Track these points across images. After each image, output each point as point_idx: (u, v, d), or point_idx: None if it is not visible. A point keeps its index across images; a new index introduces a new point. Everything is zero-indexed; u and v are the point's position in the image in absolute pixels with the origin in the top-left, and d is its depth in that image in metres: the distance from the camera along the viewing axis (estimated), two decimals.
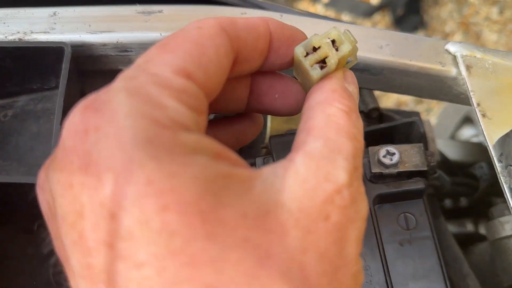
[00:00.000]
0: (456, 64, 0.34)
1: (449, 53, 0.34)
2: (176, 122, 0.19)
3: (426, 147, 0.43)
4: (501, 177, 0.30)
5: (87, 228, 0.17)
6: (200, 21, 0.23)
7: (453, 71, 0.34)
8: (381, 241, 0.34)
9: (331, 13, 1.73)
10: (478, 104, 0.32)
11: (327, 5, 1.73)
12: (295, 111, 0.27)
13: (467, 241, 0.57)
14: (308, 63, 0.24)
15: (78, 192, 0.18)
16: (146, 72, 0.20)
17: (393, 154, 0.35)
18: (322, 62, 0.24)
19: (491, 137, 0.31)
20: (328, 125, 0.22)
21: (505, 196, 0.30)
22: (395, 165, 0.35)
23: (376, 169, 0.35)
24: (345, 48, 0.24)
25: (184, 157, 0.18)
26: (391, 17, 1.66)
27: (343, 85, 0.25)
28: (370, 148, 0.36)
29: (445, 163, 0.59)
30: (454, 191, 0.59)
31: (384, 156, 0.35)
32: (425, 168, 0.35)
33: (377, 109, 0.44)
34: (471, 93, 0.32)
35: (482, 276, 0.47)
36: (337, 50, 0.24)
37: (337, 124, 0.22)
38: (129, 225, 0.17)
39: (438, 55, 0.34)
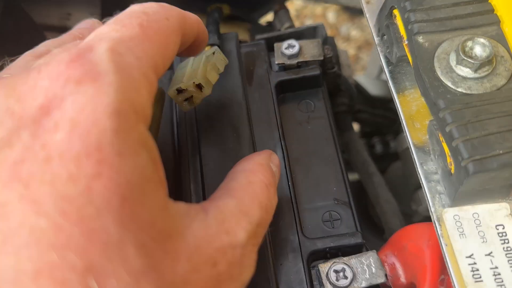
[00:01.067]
0: None
1: None
2: (143, 113, 0.21)
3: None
4: (377, 47, 0.34)
5: None
6: (164, 9, 0.24)
7: None
8: (281, 123, 0.37)
9: None
10: None
11: None
12: None
13: (383, 161, 0.62)
14: (180, 100, 0.32)
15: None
16: (132, 53, 0.21)
17: (294, 46, 0.39)
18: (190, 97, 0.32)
19: (372, 19, 0.35)
20: (246, 190, 0.25)
21: (382, 66, 0.34)
22: (295, 55, 0.39)
23: (279, 60, 0.39)
24: (207, 91, 0.32)
25: (136, 146, 0.20)
26: None
27: (269, 163, 0.29)
28: (276, 44, 0.40)
29: (366, 98, 0.64)
30: (374, 122, 0.65)
31: (286, 48, 0.39)
32: (321, 58, 0.39)
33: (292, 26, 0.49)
34: None
35: (395, 188, 0.52)
36: (201, 90, 0.31)
37: (255, 192, 0.26)
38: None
39: None
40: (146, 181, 0.20)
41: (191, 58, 0.33)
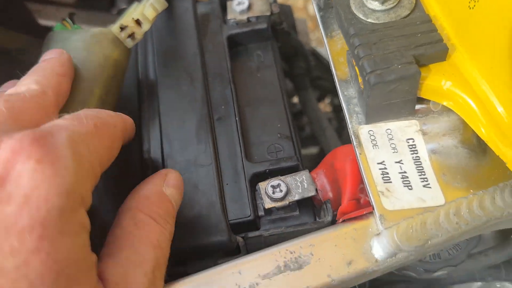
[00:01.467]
0: None
1: None
2: (87, 199, 0.23)
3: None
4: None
5: None
6: (113, 118, 0.28)
7: None
8: (231, 69, 0.42)
9: None
10: None
11: None
12: None
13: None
14: (123, 37, 0.36)
15: None
16: (85, 146, 0.24)
17: (244, 3, 0.44)
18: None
19: None
20: (134, 235, 0.26)
21: (315, 13, 0.39)
22: (245, 11, 0.44)
23: (231, 15, 0.44)
24: (146, 27, 0.37)
25: (77, 227, 0.22)
26: None
27: (160, 189, 0.29)
28: (228, 1, 0.45)
29: (326, 66, 0.68)
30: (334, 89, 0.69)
31: (237, 5, 0.44)
32: (269, 13, 0.44)
33: None
34: None
35: None
36: (140, 26, 0.36)
37: (142, 235, 0.26)
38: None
39: None
40: (82, 260, 0.22)
41: (135, 3, 0.38)
